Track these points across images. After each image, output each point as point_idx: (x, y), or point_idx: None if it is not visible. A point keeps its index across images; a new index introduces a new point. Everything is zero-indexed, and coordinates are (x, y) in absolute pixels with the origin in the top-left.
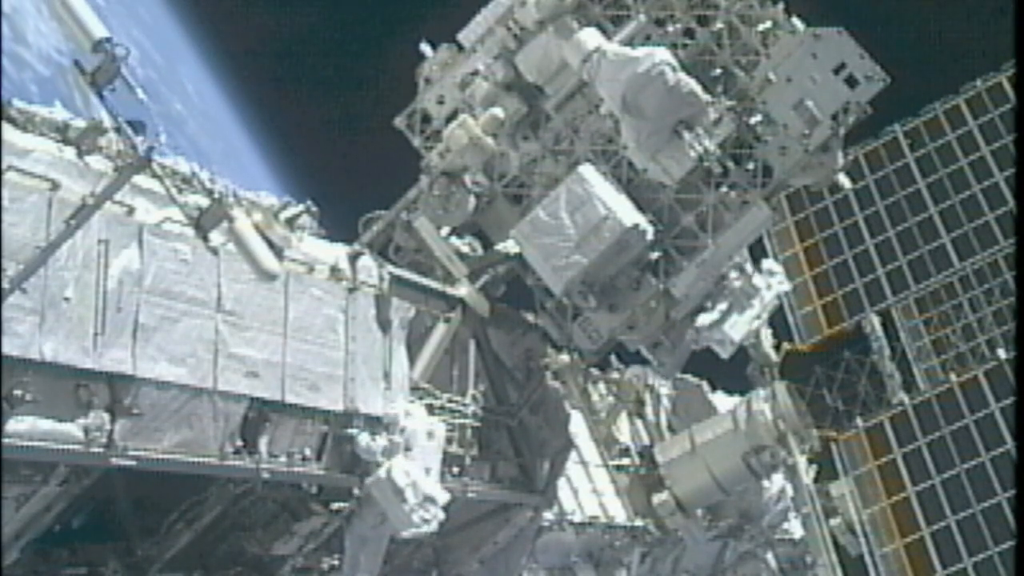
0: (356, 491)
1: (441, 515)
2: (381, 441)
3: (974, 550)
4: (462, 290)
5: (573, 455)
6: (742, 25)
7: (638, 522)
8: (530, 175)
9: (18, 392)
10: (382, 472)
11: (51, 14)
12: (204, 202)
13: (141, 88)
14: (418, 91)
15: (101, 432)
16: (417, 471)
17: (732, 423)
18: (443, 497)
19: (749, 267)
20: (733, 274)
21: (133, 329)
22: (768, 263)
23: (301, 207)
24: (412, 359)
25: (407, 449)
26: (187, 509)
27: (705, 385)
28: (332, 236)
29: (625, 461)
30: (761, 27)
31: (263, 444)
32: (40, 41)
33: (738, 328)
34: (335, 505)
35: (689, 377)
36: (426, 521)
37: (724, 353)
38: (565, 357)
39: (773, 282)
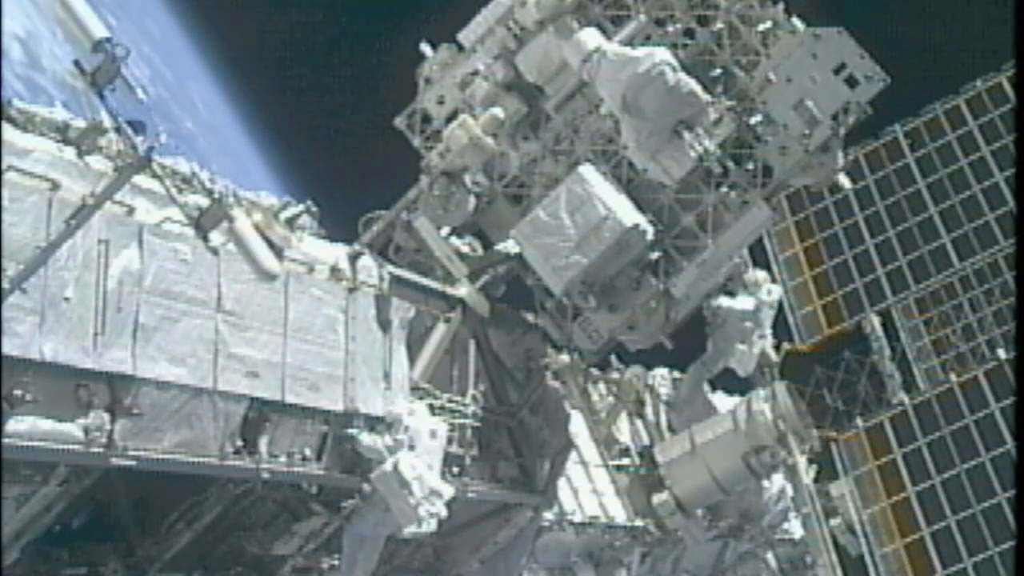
0: (365, 486)
1: (444, 511)
2: (385, 440)
3: (974, 550)
4: (462, 290)
5: (573, 455)
6: (742, 25)
7: (638, 522)
8: (530, 175)
9: (18, 392)
10: (388, 466)
11: (65, 37)
12: (204, 202)
13: (141, 88)
14: (418, 91)
15: (101, 432)
16: (422, 466)
17: (732, 423)
18: (448, 491)
19: (742, 277)
20: (723, 302)
21: (133, 329)
22: (750, 275)
23: (301, 207)
24: (412, 359)
25: (411, 447)
26: (187, 509)
27: (705, 385)
28: (332, 236)
29: (625, 461)
30: (761, 27)
31: (263, 444)
32: (55, 65)
33: (745, 360)
34: (342, 503)
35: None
36: (431, 515)
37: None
38: (565, 357)
39: (762, 294)
